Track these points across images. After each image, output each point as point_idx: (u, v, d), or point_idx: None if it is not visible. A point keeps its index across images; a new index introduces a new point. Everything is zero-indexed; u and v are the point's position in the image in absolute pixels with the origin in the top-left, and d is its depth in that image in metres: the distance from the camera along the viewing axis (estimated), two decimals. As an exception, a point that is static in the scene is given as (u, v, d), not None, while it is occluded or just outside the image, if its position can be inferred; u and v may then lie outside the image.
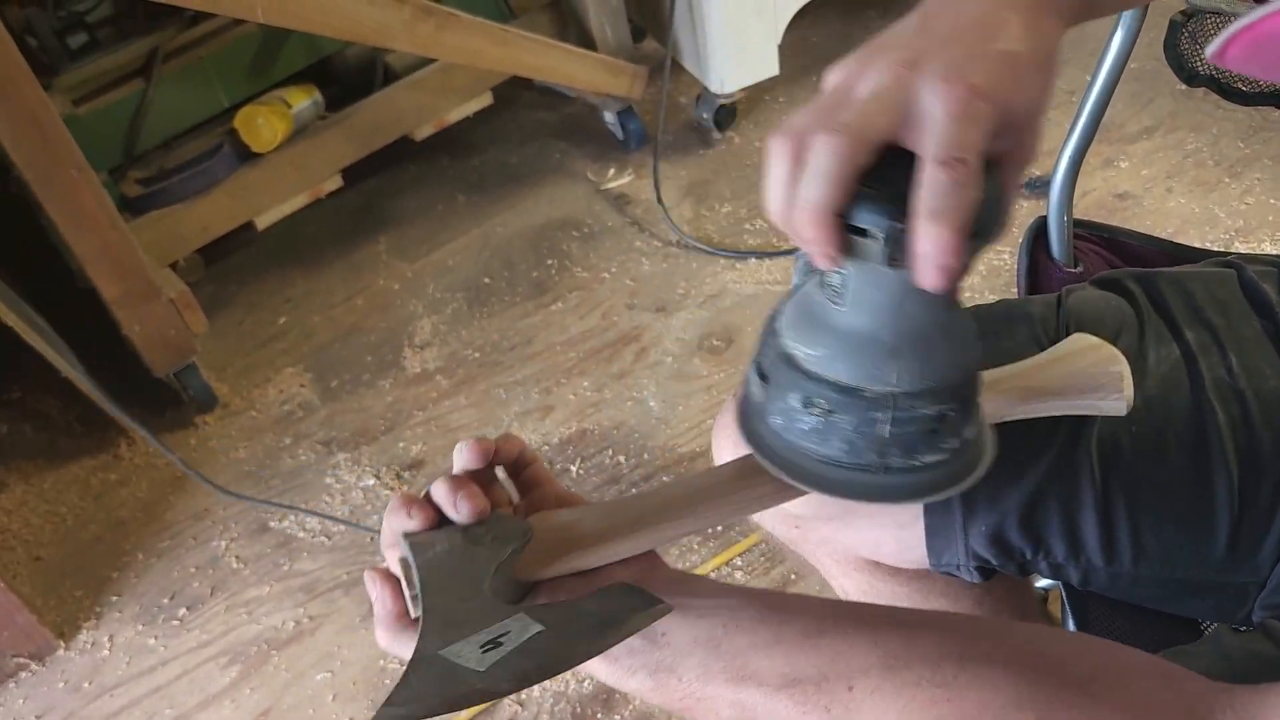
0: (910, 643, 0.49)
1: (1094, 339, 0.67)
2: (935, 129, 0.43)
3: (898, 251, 0.44)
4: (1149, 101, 2.02)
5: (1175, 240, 1.00)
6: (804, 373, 0.50)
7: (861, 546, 0.79)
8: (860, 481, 0.50)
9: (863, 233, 0.45)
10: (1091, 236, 1.02)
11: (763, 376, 0.52)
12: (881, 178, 0.44)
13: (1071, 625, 0.89)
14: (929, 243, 0.43)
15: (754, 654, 0.50)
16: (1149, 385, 0.70)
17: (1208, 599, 0.73)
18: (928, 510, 0.72)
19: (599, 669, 0.53)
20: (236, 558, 1.56)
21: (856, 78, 0.46)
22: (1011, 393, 0.62)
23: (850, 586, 0.87)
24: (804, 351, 0.50)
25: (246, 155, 1.79)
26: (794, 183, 0.45)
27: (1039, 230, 1.00)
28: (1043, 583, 1.24)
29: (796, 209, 0.45)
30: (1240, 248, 1.72)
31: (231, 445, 1.72)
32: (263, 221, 1.86)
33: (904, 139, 0.45)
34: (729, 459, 0.77)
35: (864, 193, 0.44)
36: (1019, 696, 0.47)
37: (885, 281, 0.47)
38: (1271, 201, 1.79)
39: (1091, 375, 0.64)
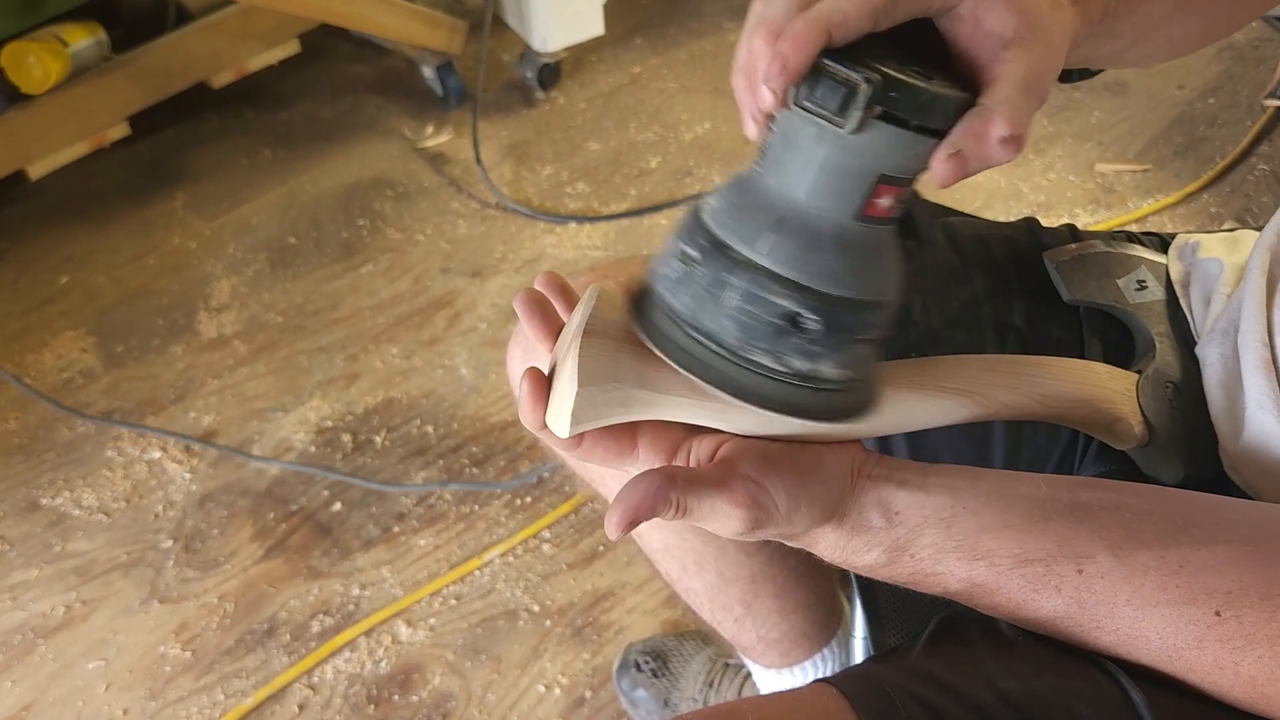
0: (1133, 530, 0.49)
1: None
2: (1011, 96, 0.42)
3: (844, 111, 0.41)
4: (962, 77, 2.07)
5: (980, 215, 1.01)
6: (696, 220, 0.46)
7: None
8: (685, 348, 0.46)
9: (830, 77, 0.41)
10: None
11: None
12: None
13: (857, 595, 0.89)
14: (941, 165, 0.42)
15: (984, 536, 0.50)
16: (936, 320, 0.71)
17: None
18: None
19: (830, 543, 0.51)
20: (1, 538, 1.42)
21: None
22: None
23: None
24: (708, 203, 0.46)
25: (15, 96, 1.63)
26: (800, 8, 0.41)
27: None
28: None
29: (796, 23, 0.40)
30: (1042, 222, 1.78)
31: (0, 415, 1.57)
32: (36, 170, 1.70)
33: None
34: (518, 369, 0.74)
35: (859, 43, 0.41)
36: (1243, 578, 0.47)
37: (807, 142, 0.43)
38: (1071, 178, 1.87)
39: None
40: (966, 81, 0.43)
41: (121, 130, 1.77)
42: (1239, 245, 0.76)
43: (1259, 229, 0.70)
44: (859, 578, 0.86)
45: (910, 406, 0.54)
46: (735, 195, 0.46)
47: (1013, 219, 0.84)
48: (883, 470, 0.52)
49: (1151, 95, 2.03)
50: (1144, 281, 0.71)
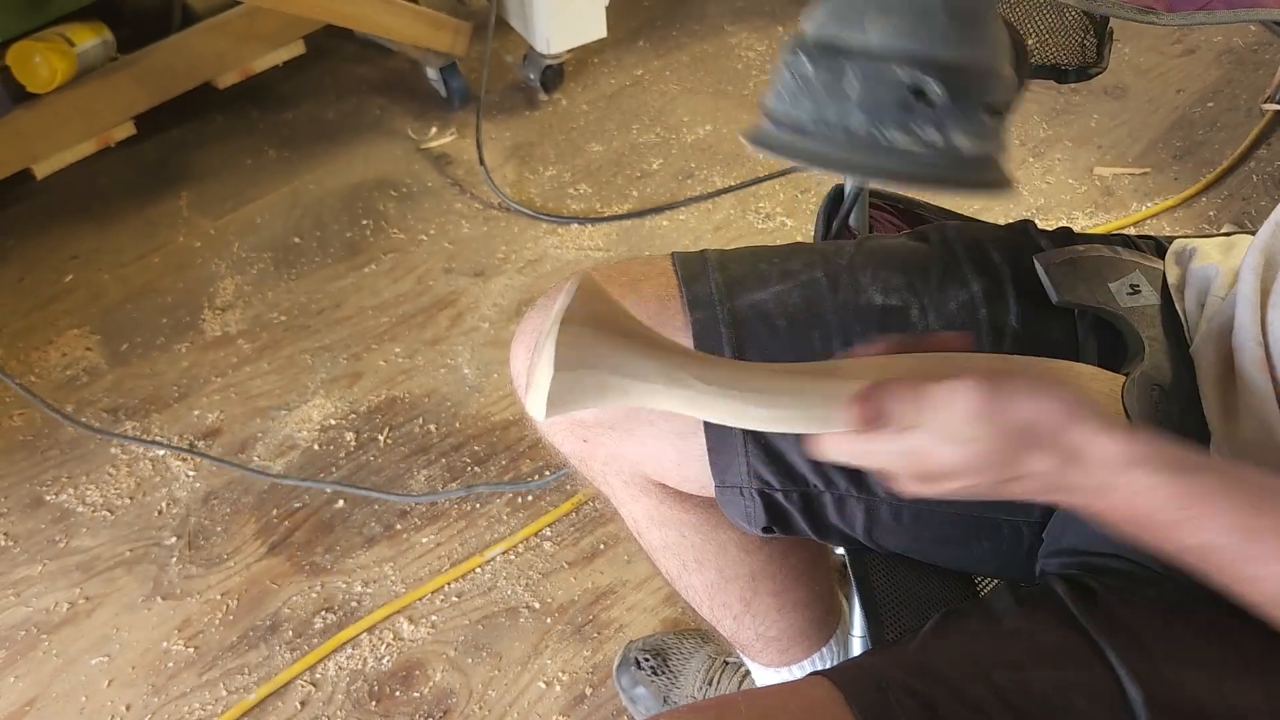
0: None
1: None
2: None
3: None
4: (963, 81, 2.08)
5: (979, 217, 1.02)
6: (798, 41, 0.47)
7: (645, 461, 0.78)
8: (816, 146, 0.46)
9: None
10: (887, 206, 1.03)
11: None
12: None
13: (856, 593, 0.90)
14: None
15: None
16: (934, 321, 0.72)
17: (986, 539, 0.74)
18: (708, 424, 0.71)
19: (1109, 447, 0.51)
20: (5, 534, 1.43)
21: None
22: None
23: (639, 513, 0.86)
24: (805, 24, 0.47)
25: (21, 96, 1.64)
26: None
27: (835, 198, 1.00)
28: (839, 550, 1.27)
29: None
30: (1040, 225, 1.78)
31: (5, 412, 1.58)
32: (42, 170, 1.71)
33: None
34: (522, 366, 0.75)
35: None
36: None
37: None
38: (1070, 181, 1.88)
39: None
40: None
41: (127, 130, 1.78)
42: (1235, 249, 0.77)
43: (1254, 233, 0.71)
44: (857, 576, 0.86)
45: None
46: (831, 3, 0.46)
47: (1011, 222, 0.85)
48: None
49: (1151, 99, 2.04)
50: (1137, 286, 0.72)
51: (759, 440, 0.70)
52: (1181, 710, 0.50)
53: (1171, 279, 0.76)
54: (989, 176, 0.48)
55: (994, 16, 0.47)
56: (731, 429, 0.70)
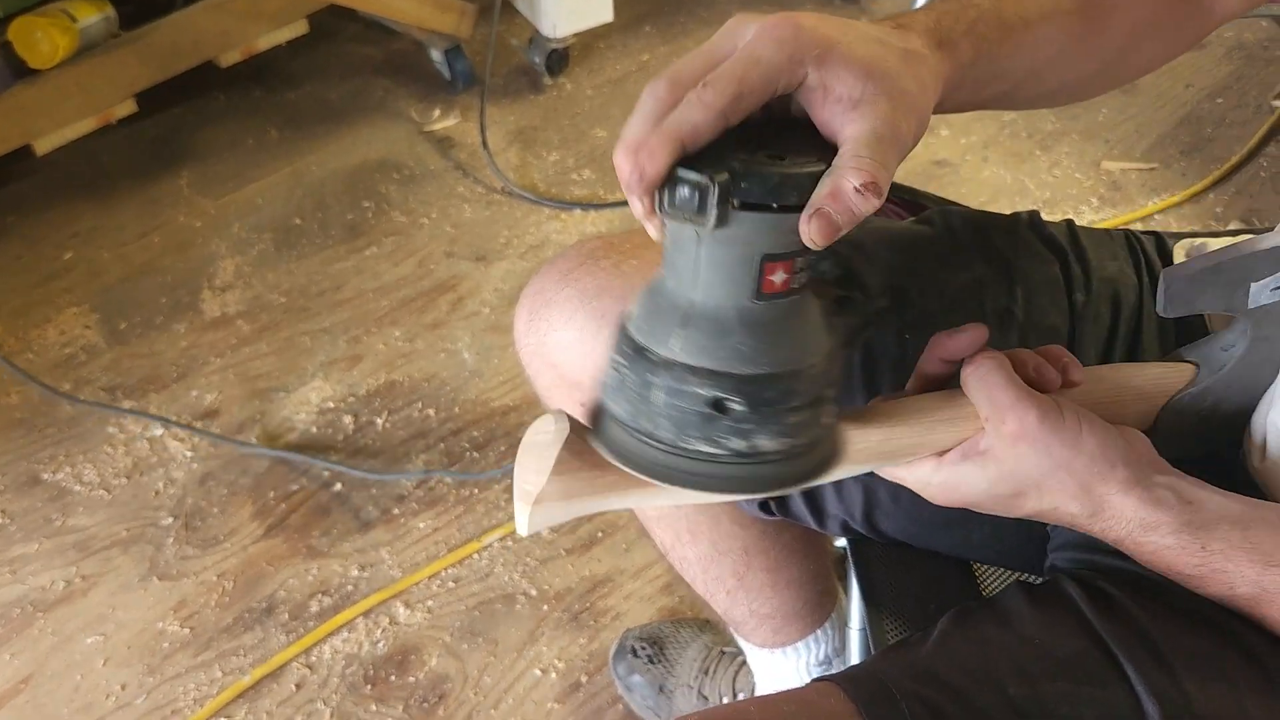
0: None
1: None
2: (860, 150, 0.43)
3: (703, 210, 0.42)
4: (971, 72, 2.06)
5: (986, 209, 1.01)
6: (622, 331, 0.49)
7: None
8: (637, 451, 0.48)
9: (682, 183, 0.43)
10: (893, 198, 1.02)
11: None
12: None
13: (855, 583, 0.89)
14: (808, 228, 0.43)
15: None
16: (933, 301, 0.71)
17: (987, 524, 0.73)
18: None
19: (1123, 511, 0.53)
20: (2, 512, 1.43)
21: (766, 40, 0.44)
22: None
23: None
24: (630, 312, 0.49)
25: (23, 71, 1.62)
26: (657, 122, 0.44)
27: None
28: (839, 542, 1.26)
29: (650, 138, 0.43)
30: (1046, 218, 1.78)
31: (2, 390, 1.58)
32: (42, 146, 1.69)
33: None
34: (524, 326, 0.77)
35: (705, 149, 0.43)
36: None
37: (688, 243, 0.45)
38: (1076, 175, 1.86)
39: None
40: (831, 147, 0.45)
41: (129, 107, 1.76)
42: (1245, 247, 0.77)
43: (1263, 230, 0.70)
44: (857, 565, 0.86)
45: (880, 443, 0.54)
46: (648, 301, 0.48)
47: (1016, 212, 0.84)
48: (1176, 471, 0.55)
49: (1159, 94, 2.02)
50: None
51: None
52: None
53: None
54: (802, 467, 0.50)
55: (799, 317, 0.48)
56: None
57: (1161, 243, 0.81)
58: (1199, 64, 2.08)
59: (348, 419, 1.52)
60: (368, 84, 2.07)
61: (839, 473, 0.52)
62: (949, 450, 0.54)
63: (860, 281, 0.69)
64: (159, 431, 1.51)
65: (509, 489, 1.43)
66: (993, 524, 0.73)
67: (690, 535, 0.87)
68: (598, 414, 0.51)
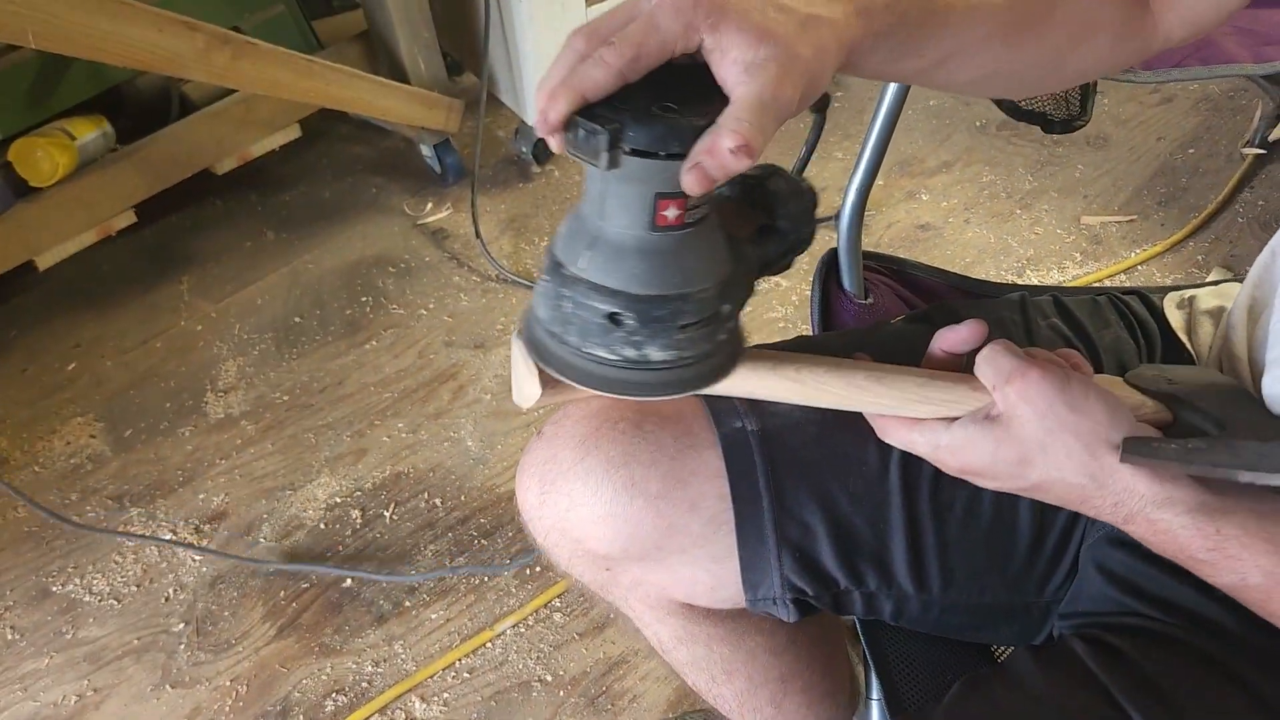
0: None
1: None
2: (740, 113, 0.46)
3: (595, 154, 0.47)
4: (947, 137, 2.11)
5: (971, 270, 1.04)
6: (549, 247, 0.56)
7: (674, 587, 0.77)
8: (548, 346, 0.56)
9: (579, 128, 0.48)
10: (881, 269, 1.05)
11: None
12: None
13: (870, 659, 0.90)
14: (686, 177, 0.46)
15: None
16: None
17: (1014, 623, 0.74)
18: (742, 542, 0.71)
19: (1139, 492, 0.53)
20: (12, 628, 1.43)
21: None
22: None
23: (665, 633, 0.85)
24: (559, 227, 0.56)
25: (24, 190, 1.66)
26: (570, 72, 0.48)
27: (830, 262, 1.02)
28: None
29: (558, 87, 0.47)
30: (1031, 275, 1.81)
31: (10, 504, 1.58)
32: (45, 261, 1.73)
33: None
34: (532, 498, 0.75)
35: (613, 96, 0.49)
36: None
37: (595, 178, 0.51)
38: (1058, 231, 1.90)
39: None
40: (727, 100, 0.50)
41: (128, 218, 1.80)
42: (1226, 297, 0.80)
43: (1243, 280, 0.73)
44: (868, 637, 0.86)
45: (755, 383, 0.61)
46: (568, 223, 0.55)
47: (1002, 273, 0.87)
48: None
49: (1133, 148, 2.07)
50: None
51: (792, 550, 0.70)
52: None
53: (1176, 322, 0.79)
54: (691, 374, 0.57)
55: (692, 248, 0.55)
56: (766, 545, 0.70)
57: (1147, 300, 0.83)
58: (1168, 118, 2.14)
59: (355, 513, 1.53)
60: (360, 182, 2.12)
61: (737, 386, 0.59)
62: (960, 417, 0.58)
63: (769, 199, 0.71)
64: (167, 537, 1.52)
65: (519, 574, 1.43)
66: (1020, 623, 0.73)
67: (726, 675, 0.86)
68: (528, 315, 0.58)
